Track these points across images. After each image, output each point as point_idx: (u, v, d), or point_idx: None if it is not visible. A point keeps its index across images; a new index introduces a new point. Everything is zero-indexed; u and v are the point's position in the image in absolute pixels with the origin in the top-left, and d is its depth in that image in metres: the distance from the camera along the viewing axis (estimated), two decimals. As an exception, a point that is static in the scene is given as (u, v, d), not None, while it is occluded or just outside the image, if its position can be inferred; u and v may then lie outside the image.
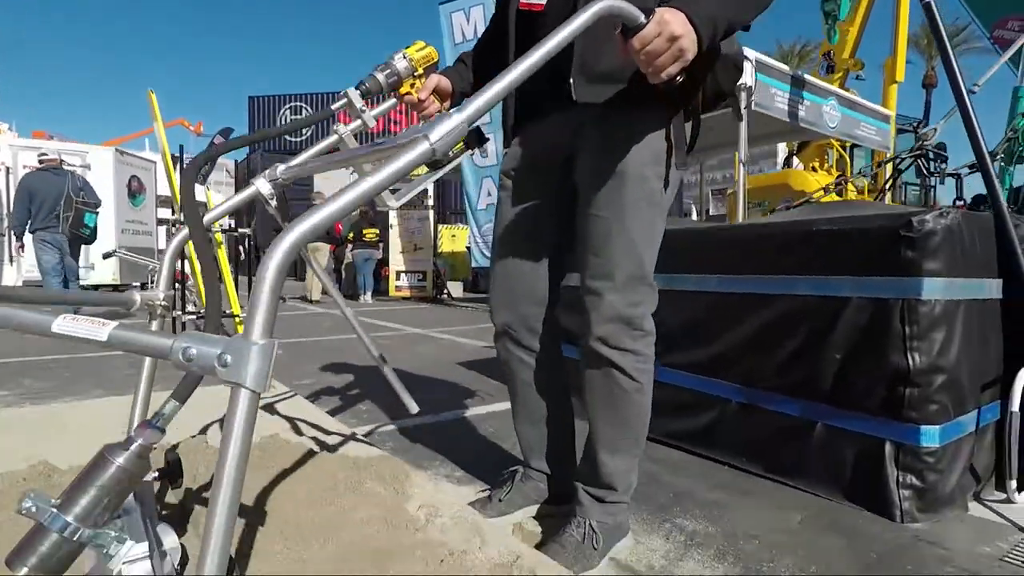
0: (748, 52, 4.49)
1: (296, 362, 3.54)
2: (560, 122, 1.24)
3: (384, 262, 9.76)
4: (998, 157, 4.79)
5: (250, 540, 1.12)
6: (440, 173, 1.21)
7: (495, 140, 6.69)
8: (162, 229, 9.79)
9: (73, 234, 5.37)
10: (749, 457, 1.75)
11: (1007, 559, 1.26)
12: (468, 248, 10.37)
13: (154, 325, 1.04)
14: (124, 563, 0.76)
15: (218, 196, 8.93)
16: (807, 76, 5.39)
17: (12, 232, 5.35)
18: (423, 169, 0.91)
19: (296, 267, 10.51)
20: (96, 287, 8.65)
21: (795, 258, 1.67)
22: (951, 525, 1.42)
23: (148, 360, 1.04)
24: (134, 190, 9.87)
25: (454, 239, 13.49)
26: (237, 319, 3.95)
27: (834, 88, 5.95)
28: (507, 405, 1.50)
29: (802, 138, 7.04)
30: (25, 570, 0.66)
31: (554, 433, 1.42)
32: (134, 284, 8.59)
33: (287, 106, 19.28)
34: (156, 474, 1.09)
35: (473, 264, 8.72)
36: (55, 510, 0.68)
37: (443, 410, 2.45)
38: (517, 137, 1.34)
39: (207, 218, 1.08)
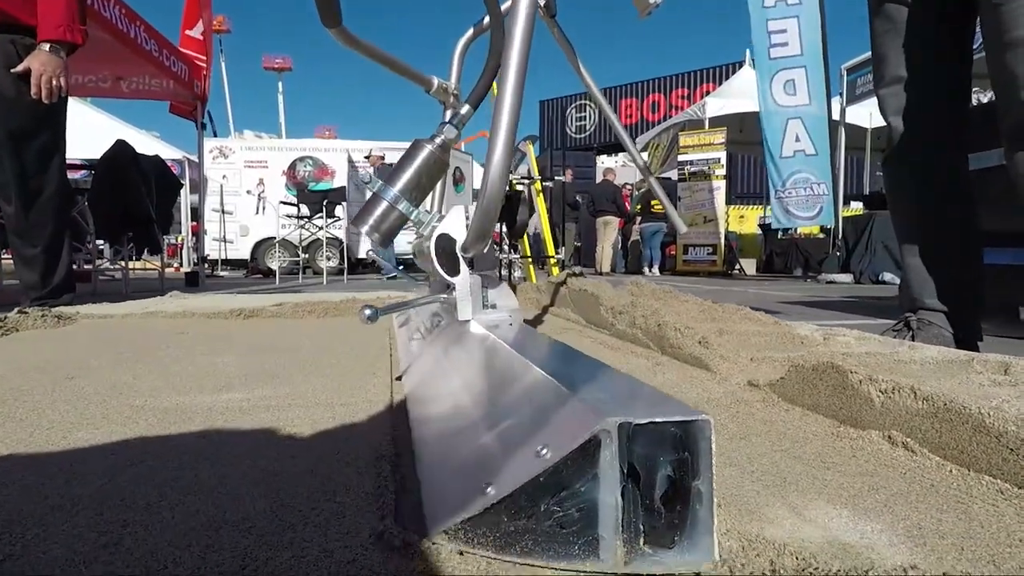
0: None
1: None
2: None
3: (671, 240, 9.62)
4: None
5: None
6: None
7: (809, 80, 6.31)
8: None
9: None
10: None
11: None
12: (760, 225, 9.49)
13: (447, 113, 1.25)
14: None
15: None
16: None
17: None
18: None
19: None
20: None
21: None
22: None
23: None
24: (457, 179, 11.77)
25: (742, 220, 12.58)
26: (553, 260, 4.31)
27: None
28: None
29: None
30: (365, 228, 0.80)
31: (962, 264, 1.17)
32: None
33: (572, 105, 20.50)
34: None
35: (775, 225, 7.73)
36: (385, 184, 0.81)
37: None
38: None
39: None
